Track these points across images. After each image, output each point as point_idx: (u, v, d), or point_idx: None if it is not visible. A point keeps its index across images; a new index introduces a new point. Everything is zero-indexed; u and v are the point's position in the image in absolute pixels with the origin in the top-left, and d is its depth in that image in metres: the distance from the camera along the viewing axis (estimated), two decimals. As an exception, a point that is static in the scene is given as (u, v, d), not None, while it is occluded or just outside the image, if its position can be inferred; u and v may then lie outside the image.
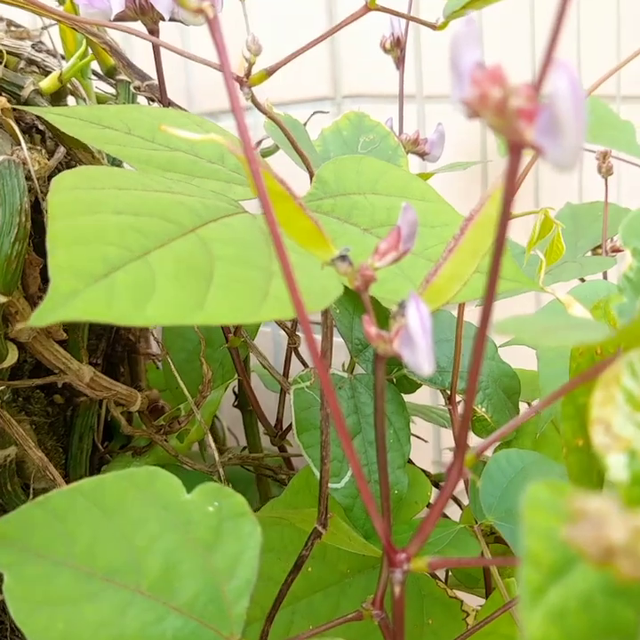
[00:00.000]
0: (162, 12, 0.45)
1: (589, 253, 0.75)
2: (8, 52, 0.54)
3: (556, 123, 0.17)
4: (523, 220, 0.57)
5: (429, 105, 0.82)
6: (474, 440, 0.57)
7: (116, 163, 0.55)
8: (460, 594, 0.54)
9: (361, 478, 0.26)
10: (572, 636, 0.17)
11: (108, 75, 0.57)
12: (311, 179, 0.45)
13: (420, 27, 0.54)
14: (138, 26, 0.47)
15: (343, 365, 0.72)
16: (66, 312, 0.24)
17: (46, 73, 0.55)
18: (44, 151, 0.49)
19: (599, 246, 0.74)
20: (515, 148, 0.19)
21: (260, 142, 0.68)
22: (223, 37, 0.23)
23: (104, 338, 0.58)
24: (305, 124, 0.61)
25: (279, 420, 0.68)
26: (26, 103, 0.50)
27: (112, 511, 0.30)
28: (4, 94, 0.49)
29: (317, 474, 0.47)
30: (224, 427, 0.80)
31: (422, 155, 0.68)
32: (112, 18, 0.46)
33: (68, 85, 0.56)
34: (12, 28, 0.60)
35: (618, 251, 0.74)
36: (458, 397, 0.57)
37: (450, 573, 0.65)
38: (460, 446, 0.26)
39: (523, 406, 0.63)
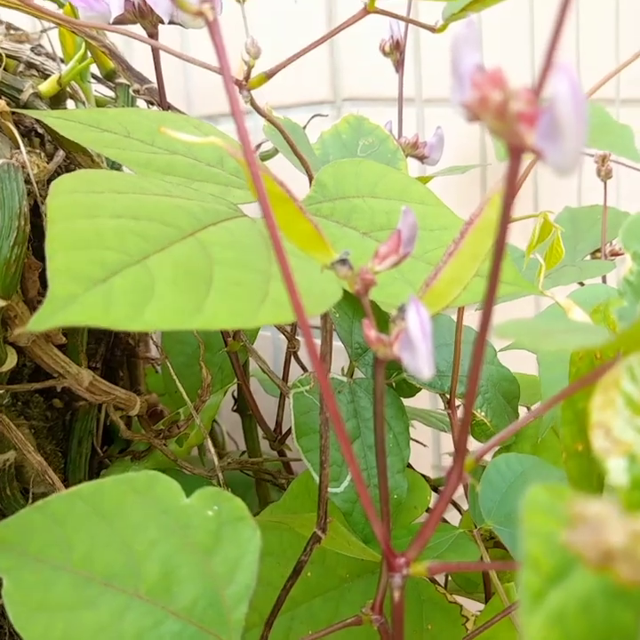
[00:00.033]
0: (161, 15, 0.45)
1: (589, 257, 0.75)
2: (7, 56, 0.54)
3: (556, 126, 0.17)
4: (522, 223, 0.56)
5: (429, 108, 0.82)
6: (473, 444, 0.57)
7: (115, 166, 0.55)
8: (460, 599, 0.53)
9: (360, 483, 0.26)
10: (572, 641, 0.17)
11: (108, 78, 0.57)
12: (310, 182, 0.45)
13: (419, 30, 0.54)
14: (137, 29, 0.47)
15: (343, 370, 0.71)
16: (64, 317, 0.24)
17: (45, 76, 0.55)
18: (43, 154, 0.49)
19: (598, 250, 0.74)
20: (515, 152, 0.19)
21: (259, 146, 0.68)
22: (223, 40, 0.23)
23: (103, 342, 0.58)
24: (304, 128, 0.61)
25: (278, 425, 0.68)
26: (25, 106, 0.50)
27: (111, 515, 0.29)
28: (3, 97, 0.49)
29: (317, 478, 0.47)
30: (223, 431, 0.80)
31: (421, 158, 0.68)
32: (111, 21, 0.46)
33: (68, 89, 0.56)
34: (12, 31, 0.60)
35: (617, 254, 0.74)
36: (457, 401, 0.57)
37: (449, 578, 0.65)
38: (460, 451, 0.26)
39: (522, 411, 0.62)
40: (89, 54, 0.54)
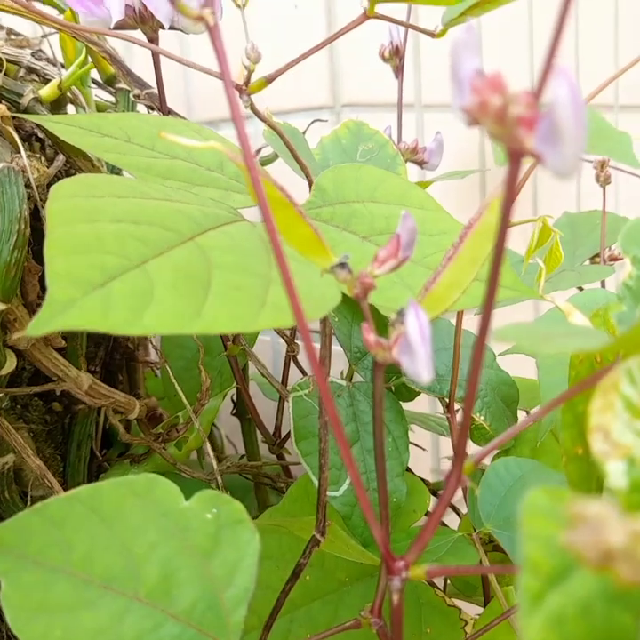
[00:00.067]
0: (162, 20, 0.45)
1: (588, 262, 0.76)
2: (8, 61, 0.54)
3: (556, 130, 0.17)
4: (521, 228, 0.57)
5: (428, 114, 0.82)
6: (472, 448, 0.57)
7: (115, 171, 0.55)
8: (459, 602, 0.53)
9: (359, 486, 0.26)
10: (572, 644, 0.17)
11: (108, 83, 0.57)
12: (310, 187, 0.45)
13: (419, 35, 0.54)
14: (138, 34, 0.47)
15: (342, 373, 0.72)
16: (63, 321, 0.24)
17: (46, 81, 0.55)
18: (43, 159, 0.49)
19: (597, 255, 0.74)
20: (514, 156, 0.19)
21: (259, 151, 0.68)
22: (223, 45, 0.24)
23: (103, 346, 0.58)
24: (304, 133, 0.61)
25: (278, 428, 0.68)
26: (25, 111, 0.50)
27: (110, 518, 0.30)
28: (3, 102, 0.49)
29: (316, 482, 0.47)
30: (222, 435, 0.80)
31: (421, 163, 0.69)
32: (112, 26, 0.46)
33: (68, 94, 0.56)
34: (12, 37, 0.60)
35: (616, 259, 0.74)
36: (456, 406, 0.57)
37: (448, 582, 0.64)
38: (459, 454, 0.26)
39: (521, 414, 0.63)
40: (89, 59, 0.54)
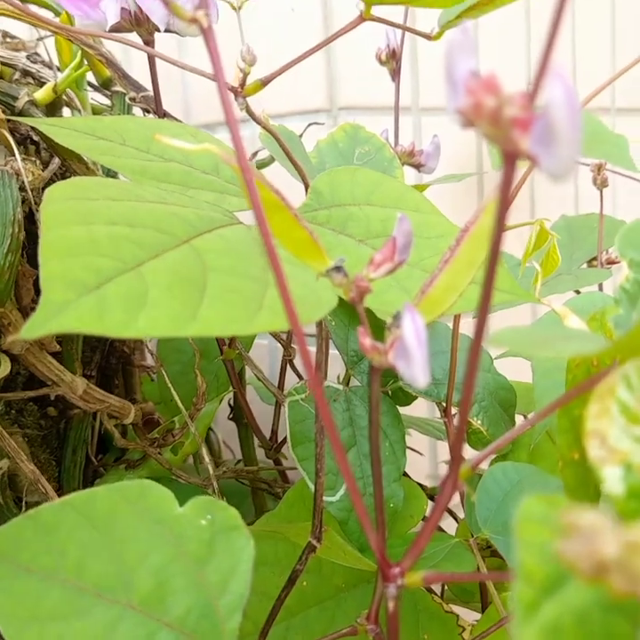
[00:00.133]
0: (157, 22, 0.45)
1: (585, 265, 0.76)
2: (3, 63, 0.54)
3: (550, 132, 0.17)
4: (518, 231, 0.56)
5: (425, 117, 0.82)
6: (469, 453, 0.57)
7: (110, 174, 0.55)
8: (456, 608, 0.53)
9: (354, 492, 0.26)
10: (569, 653, 0.17)
11: (104, 86, 0.57)
12: (306, 190, 0.45)
13: (416, 38, 0.54)
14: (134, 37, 0.47)
15: (339, 377, 0.71)
16: (57, 323, 0.24)
17: (41, 84, 0.55)
18: (38, 162, 0.49)
19: (595, 258, 0.74)
20: (509, 158, 0.19)
21: (255, 154, 0.68)
22: (217, 46, 0.23)
23: (98, 350, 0.58)
24: (301, 136, 0.61)
25: (274, 433, 0.67)
26: (20, 114, 0.50)
27: (103, 525, 0.29)
28: (-2, 105, 0.49)
29: (312, 487, 0.47)
30: (219, 439, 0.80)
31: (418, 166, 0.68)
32: (107, 29, 0.46)
33: (64, 97, 0.56)
34: (8, 40, 0.60)
35: (613, 263, 0.74)
36: (453, 410, 0.56)
37: (446, 587, 0.64)
38: (455, 459, 0.26)
39: (519, 419, 0.62)
40: (85, 62, 0.54)
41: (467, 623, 0.51)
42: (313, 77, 0.76)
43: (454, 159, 0.84)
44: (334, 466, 0.49)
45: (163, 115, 0.51)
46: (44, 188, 0.49)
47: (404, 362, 0.24)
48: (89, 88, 0.60)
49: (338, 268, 0.27)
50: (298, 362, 0.68)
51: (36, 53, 0.59)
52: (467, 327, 0.49)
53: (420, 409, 0.83)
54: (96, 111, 0.61)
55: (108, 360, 0.62)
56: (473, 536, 0.51)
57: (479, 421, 0.57)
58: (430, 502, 0.60)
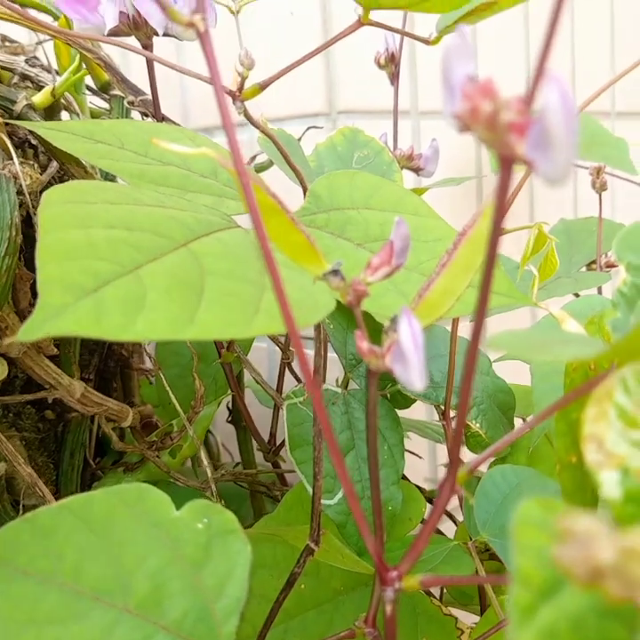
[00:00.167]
0: (155, 26, 0.45)
1: (584, 269, 0.76)
2: (2, 67, 0.54)
3: (546, 136, 0.17)
4: (517, 235, 0.57)
5: (424, 120, 0.83)
6: (468, 456, 0.57)
7: (108, 177, 0.55)
8: (455, 611, 0.53)
9: (351, 495, 0.26)
10: (565, 657, 0.17)
11: (102, 90, 0.57)
12: (305, 194, 0.45)
13: (414, 42, 0.54)
14: (133, 41, 0.47)
15: (337, 381, 0.71)
16: (55, 326, 0.24)
17: (40, 88, 0.55)
18: (36, 166, 0.49)
19: (594, 262, 0.74)
20: (506, 162, 0.19)
21: (254, 157, 0.68)
22: (214, 50, 0.23)
23: (97, 353, 0.58)
24: (299, 140, 0.61)
25: (273, 436, 0.67)
26: (18, 118, 0.50)
27: (100, 529, 0.29)
28: (-4, 109, 0.49)
29: (310, 490, 0.47)
30: (218, 442, 0.80)
31: (417, 170, 0.69)
32: (106, 33, 0.46)
33: (62, 100, 0.56)
34: (7, 43, 0.60)
35: (612, 266, 0.74)
36: (452, 413, 0.56)
37: (444, 590, 0.64)
38: (453, 462, 0.26)
39: (517, 422, 0.62)
40: (84, 66, 0.54)
41: (465, 626, 0.51)
42: (312, 81, 0.76)
43: (453, 163, 0.84)
44: (332, 469, 0.49)
45: (161, 118, 0.51)
46: (41, 192, 0.49)
47: (401, 365, 0.24)
48: (87, 92, 0.60)
49: (335, 272, 0.27)
50: (296, 365, 0.68)
51: (35, 57, 0.59)
52: (465, 330, 0.49)
53: (419, 412, 0.83)
54: (94, 115, 0.61)
55: (106, 363, 0.62)
56: (471, 539, 0.51)
57: (478, 424, 0.57)
58: (429, 505, 0.60)
